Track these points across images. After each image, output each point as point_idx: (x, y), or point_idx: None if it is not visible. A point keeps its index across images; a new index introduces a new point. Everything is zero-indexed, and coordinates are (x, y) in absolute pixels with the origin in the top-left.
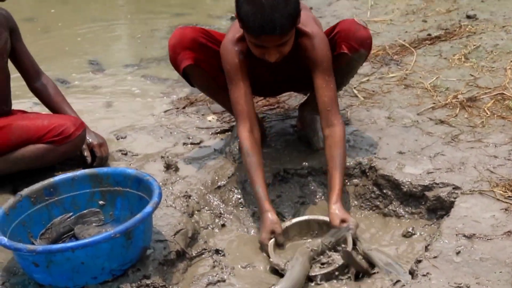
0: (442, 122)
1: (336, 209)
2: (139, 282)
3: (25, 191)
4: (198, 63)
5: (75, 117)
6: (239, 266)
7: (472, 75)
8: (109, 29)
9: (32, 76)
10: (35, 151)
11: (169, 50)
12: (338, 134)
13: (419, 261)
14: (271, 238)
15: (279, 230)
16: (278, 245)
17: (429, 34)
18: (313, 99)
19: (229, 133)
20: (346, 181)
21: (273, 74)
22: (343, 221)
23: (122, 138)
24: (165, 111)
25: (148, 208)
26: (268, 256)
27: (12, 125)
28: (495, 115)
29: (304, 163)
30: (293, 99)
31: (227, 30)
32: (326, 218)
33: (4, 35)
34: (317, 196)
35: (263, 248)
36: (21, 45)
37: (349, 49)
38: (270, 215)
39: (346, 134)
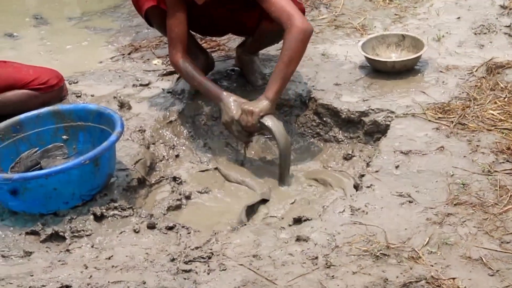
0: None
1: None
2: (107, 205)
3: None
4: (160, 3)
5: (56, 70)
6: (196, 191)
7: (396, 14)
8: None
9: None
10: (20, 96)
11: None
12: (285, 38)
13: (362, 175)
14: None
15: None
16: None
17: None
18: (249, 40)
19: (176, 74)
20: (288, 110)
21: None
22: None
23: (74, 83)
24: (112, 58)
25: (113, 137)
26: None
27: None
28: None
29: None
30: (232, 41)
31: None
32: None
33: None
34: None
35: (228, 126)
36: None
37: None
38: (231, 97)
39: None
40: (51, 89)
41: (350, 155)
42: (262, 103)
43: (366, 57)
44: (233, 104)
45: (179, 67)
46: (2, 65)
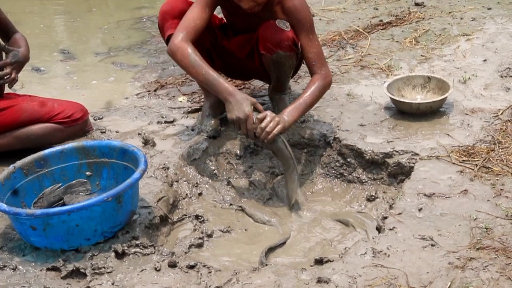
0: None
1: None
2: (129, 243)
3: (18, 163)
4: None
5: (81, 104)
6: (218, 229)
7: (423, 56)
8: (76, 21)
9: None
10: (44, 129)
11: (159, 16)
12: (314, 80)
13: (385, 218)
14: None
15: (260, 106)
16: None
17: (381, 20)
18: (274, 81)
19: (201, 112)
20: (312, 150)
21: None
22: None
23: (99, 118)
24: (137, 94)
25: (136, 174)
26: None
27: (22, 104)
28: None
29: None
30: (258, 81)
31: None
32: None
33: None
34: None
35: (240, 123)
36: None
37: (266, 50)
38: (242, 93)
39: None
40: (76, 123)
41: (373, 197)
42: (285, 120)
43: (391, 98)
44: (246, 101)
45: (183, 52)
46: (27, 100)
